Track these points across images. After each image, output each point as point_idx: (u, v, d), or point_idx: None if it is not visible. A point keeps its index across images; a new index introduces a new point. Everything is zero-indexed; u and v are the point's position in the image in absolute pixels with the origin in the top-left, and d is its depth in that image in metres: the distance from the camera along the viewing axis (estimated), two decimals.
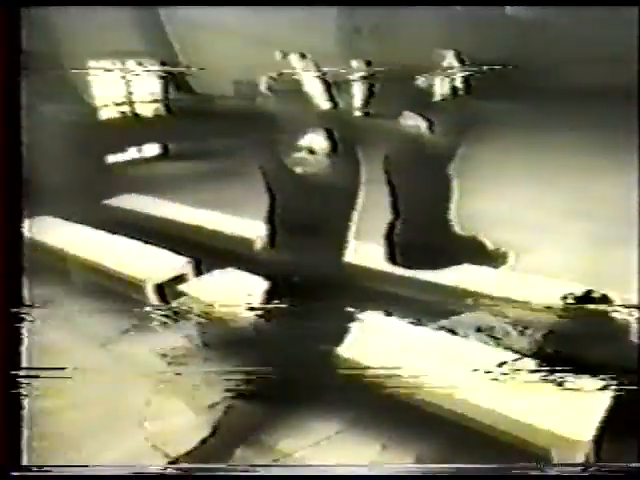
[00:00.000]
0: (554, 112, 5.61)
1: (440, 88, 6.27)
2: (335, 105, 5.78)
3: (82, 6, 5.83)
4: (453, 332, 2.93)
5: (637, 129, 4.12)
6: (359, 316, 2.99)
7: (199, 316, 3.65)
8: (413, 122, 3.64)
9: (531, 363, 2.54)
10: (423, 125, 3.64)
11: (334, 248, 3.15)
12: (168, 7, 7.39)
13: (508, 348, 2.72)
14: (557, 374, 2.58)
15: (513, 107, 5.86)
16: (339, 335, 2.93)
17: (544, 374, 2.57)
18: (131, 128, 7.11)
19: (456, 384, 2.41)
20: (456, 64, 6.49)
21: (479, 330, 2.91)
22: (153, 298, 3.84)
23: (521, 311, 3.01)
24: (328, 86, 6.11)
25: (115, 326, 3.97)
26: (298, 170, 2.84)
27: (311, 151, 2.85)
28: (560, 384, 2.55)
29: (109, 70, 7.22)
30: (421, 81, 6.18)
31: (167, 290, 3.90)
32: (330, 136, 3.03)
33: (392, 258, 3.70)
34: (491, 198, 4.36)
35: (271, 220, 3.40)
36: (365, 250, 3.72)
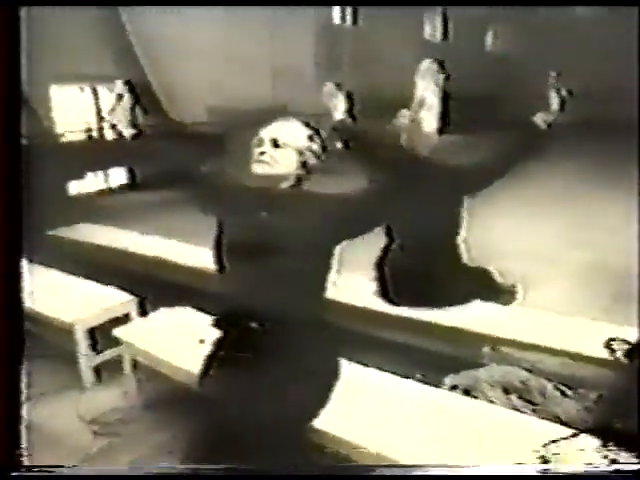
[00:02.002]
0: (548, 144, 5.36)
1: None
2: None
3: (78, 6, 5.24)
4: (468, 393, 2.06)
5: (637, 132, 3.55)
6: (342, 370, 2.11)
7: (136, 367, 2.76)
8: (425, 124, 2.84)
9: (593, 441, 1.68)
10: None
11: (310, 280, 2.25)
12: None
13: (552, 418, 1.85)
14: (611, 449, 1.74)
15: (504, 137, 5.41)
16: (312, 397, 2.05)
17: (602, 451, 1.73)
18: (95, 154, 6.32)
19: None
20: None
21: (506, 391, 2.04)
22: (83, 346, 2.92)
23: (555, 361, 2.16)
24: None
25: (36, 383, 3.07)
26: (259, 170, 1.90)
27: (275, 143, 1.90)
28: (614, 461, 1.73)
29: (74, 94, 6.53)
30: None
31: (103, 335, 3.01)
32: (307, 125, 2.08)
33: (384, 292, 2.85)
34: (489, 227, 3.64)
35: (218, 244, 2.45)
36: (350, 283, 2.87)
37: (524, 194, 4.36)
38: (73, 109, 6.66)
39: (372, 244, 3.06)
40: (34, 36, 6.17)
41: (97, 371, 2.99)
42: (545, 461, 1.60)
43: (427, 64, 5.09)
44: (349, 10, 7.53)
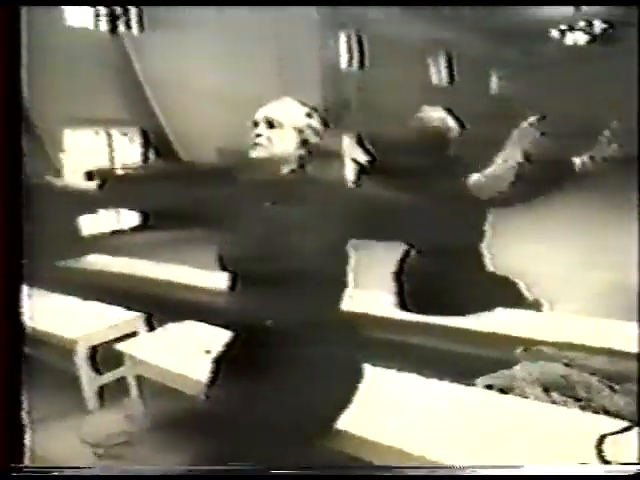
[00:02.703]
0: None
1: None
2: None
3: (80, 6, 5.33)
4: (504, 392, 1.86)
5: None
6: (365, 374, 1.91)
7: (140, 388, 2.58)
8: (437, 115, 2.68)
9: None
10: (450, 122, 2.67)
11: (324, 284, 2.07)
12: (148, 66, 6.80)
13: (602, 411, 1.65)
14: None
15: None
16: (332, 400, 1.84)
17: None
18: (108, 193, 6.27)
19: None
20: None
21: (546, 389, 1.84)
22: (86, 366, 2.75)
23: (595, 358, 1.97)
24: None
25: (39, 407, 2.88)
26: (255, 154, 1.74)
27: (270, 123, 1.73)
28: None
29: (88, 137, 6.60)
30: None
31: (107, 357, 2.83)
32: (303, 103, 1.91)
33: (402, 303, 2.68)
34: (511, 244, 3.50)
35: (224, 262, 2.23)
36: (367, 297, 2.70)
37: (543, 218, 4.22)
38: (87, 152, 6.71)
39: (389, 252, 2.91)
40: (45, 81, 6.27)
41: (100, 393, 2.81)
42: (602, 456, 1.40)
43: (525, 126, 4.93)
44: (356, 54, 7.69)
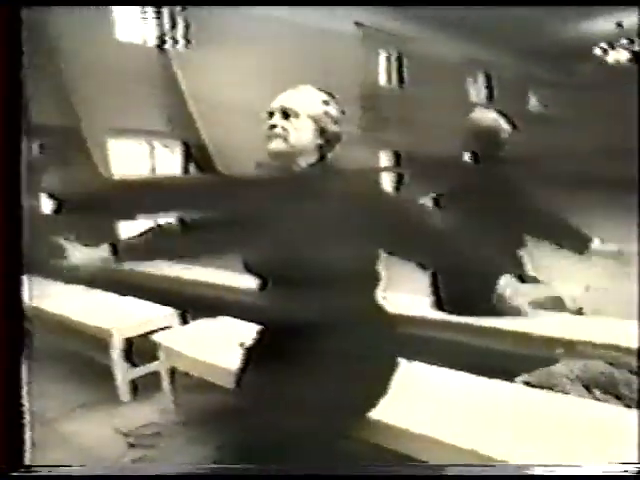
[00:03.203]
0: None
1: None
2: None
3: (84, 6, 5.49)
4: (540, 388, 1.79)
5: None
6: (400, 368, 1.86)
7: (173, 382, 2.57)
8: (490, 116, 2.67)
9: None
10: (504, 124, 2.66)
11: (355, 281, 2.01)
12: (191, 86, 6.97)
13: None
14: None
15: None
16: (364, 393, 1.80)
17: None
18: (148, 201, 6.39)
19: None
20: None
21: (587, 387, 1.76)
22: (120, 357, 2.76)
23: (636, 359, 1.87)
24: None
25: (73, 398, 2.90)
26: (272, 146, 1.68)
27: (285, 113, 1.65)
28: None
29: (131, 148, 6.78)
30: None
31: (142, 349, 2.85)
32: (320, 89, 1.82)
33: (439, 304, 2.62)
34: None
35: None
36: (401, 298, 2.66)
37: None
38: (130, 162, 6.89)
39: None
40: (94, 93, 6.46)
41: (134, 385, 2.82)
42: None
43: None
44: (395, 72, 7.71)
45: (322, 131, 1.80)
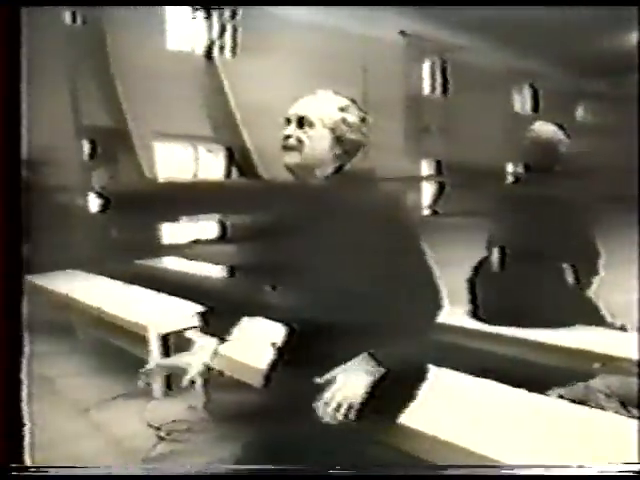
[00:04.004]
0: None
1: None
2: None
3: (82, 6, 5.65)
4: (575, 403, 1.71)
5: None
6: (429, 374, 1.81)
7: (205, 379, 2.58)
8: (549, 129, 2.64)
9: None
10: (562, 136, 2.62)
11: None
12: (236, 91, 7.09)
13: None
14: None
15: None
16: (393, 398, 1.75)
17: None
18: (191, 205, 6.53)
19: None
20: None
21: (623, 404, 1.68)
22: (154, 354, 2.80)
23: None
24: None
25: (109, 390, 2.97)
26: (287, 159, 1.60)
27: (300, 122, 1.55)
28: None
29: (176, 151, 6.93)
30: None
31: (177, 347, 2.88)
32: (339, 94, 1.72)
33: (476, 313, 2.56)
34: None
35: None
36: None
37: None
38: (174, 165, 7.04)
39: (463, 258, 2.81)
40: (143, 99, 6.62)
41: (167, 381, 2.85)
42: None
43: None
44: (439, 81, 7.65)
45: (339, 140, 1.70)
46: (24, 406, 1.89)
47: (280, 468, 1.64)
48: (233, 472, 1.75)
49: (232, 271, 2.23)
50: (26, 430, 1.86)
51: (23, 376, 1.95)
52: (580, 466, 1.34)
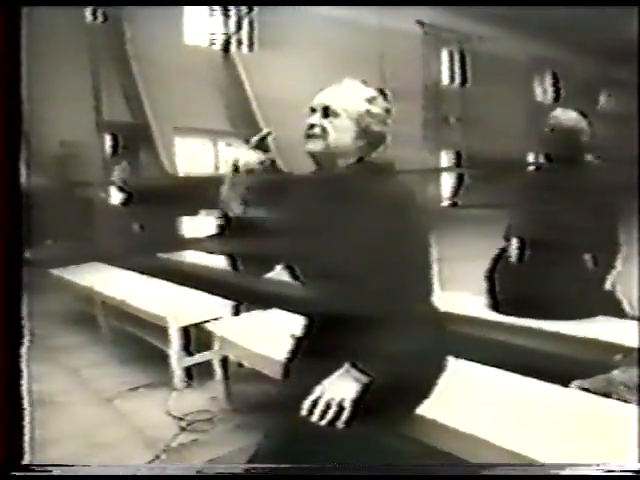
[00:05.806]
0: None
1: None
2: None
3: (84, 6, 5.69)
4: (596, 394, 1.69)
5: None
6: (449, 366, 1.79)
7: (226, 372, 2.61)
8: (571, 117, 2.54)
9: None
10: (585, 125, 2.52)
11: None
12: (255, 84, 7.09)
13: None
14: None
15: None
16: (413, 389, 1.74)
17: None
18: (209, 199, 6.51)
19: None
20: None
21: None
22: (176, 344, 2.83)
23: None
24: None
25: (131, 380, 3.01)
26: (310, 147, 1.58)
27: (325, 112, 1.53)
28: None
29: (196, 146, 6.97)
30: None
31: (197, 339, 2.90)
32: (367, 84, 1.69)
33: (495, 305, 2.53)
34: None
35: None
36: (456, 298, 2.60)
37: None
38: (194, 160, 7.08)
39: (481, 250, 2.77)
40: (163, 94, 6.64)
41: (189, 373, 2.88)
42: None
43: None
44: (458, 71, 7.55)
45: (364, 132, 1.68)
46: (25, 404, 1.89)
47: (284, 467, 1.63)
48: (235, 472, 1.75)
49: (249, 263, 2.21)
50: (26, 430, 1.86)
51: (23, 376, 1.97)
52: (570, 465, 1.33)
